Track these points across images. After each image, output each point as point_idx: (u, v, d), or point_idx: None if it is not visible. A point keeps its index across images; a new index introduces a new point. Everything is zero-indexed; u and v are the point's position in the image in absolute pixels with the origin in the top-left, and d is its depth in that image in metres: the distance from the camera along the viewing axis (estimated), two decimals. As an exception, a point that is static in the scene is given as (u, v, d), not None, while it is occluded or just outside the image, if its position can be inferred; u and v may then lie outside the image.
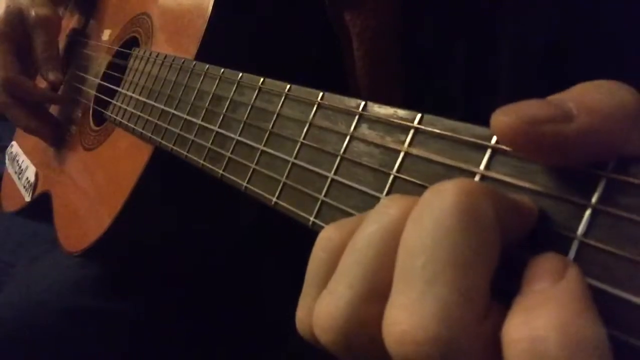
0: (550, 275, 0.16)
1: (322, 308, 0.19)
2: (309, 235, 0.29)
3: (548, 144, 0.16)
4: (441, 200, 0.17)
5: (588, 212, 0.17)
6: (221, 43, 0.47)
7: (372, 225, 0.19)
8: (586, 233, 0.17)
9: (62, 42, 0.80)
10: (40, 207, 0.71)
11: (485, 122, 0.40)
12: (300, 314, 0.21)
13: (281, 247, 0.59)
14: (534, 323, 0.14)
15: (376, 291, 0.18)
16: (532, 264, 0.17)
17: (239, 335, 0.59)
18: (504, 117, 0.17)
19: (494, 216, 0.17)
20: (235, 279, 0.60)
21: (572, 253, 0.17)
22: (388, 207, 0.19)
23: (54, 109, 0.75)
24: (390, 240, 0.18)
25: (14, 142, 0.90)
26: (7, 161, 0.90)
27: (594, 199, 0.17)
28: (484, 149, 0.21)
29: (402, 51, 0.43)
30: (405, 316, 0.16)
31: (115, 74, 0.61)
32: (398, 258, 0.17)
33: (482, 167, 0.20)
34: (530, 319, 0.15)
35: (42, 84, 0.70)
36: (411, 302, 0.16)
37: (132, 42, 0.61)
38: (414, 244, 0.17)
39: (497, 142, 0.20)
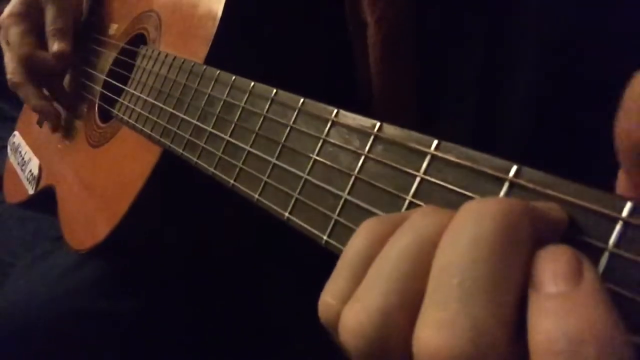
0: (569, 276, 0.16)
1: (351, 314, 0.19)
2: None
3: None
4: (480, 221, 0.17)
5: (606, 256, 0.17)
6: (231, 46, 0.47)
7: (406, 236, 0.19)
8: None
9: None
10: (44, 199, 0.71)
11: (500, 112, 0.40)
12: (328, 297, 0.21)
13: (283, 248, 0.59)
14: (566, 328, 0.15)
15: (408, 302, 0.18)
16: (543, 259, 0.17)
17: (240, 335, 0.60)
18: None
19: (530, 236, 0.17)
20: (237, 279, 0.61)
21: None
22: (424, 219, 0.19)
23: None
24: (425, 253, 0.18)
25: (16, 132, 0.90)
26: (9, 151, 0.89)
27: (611, 242, 0.17)
28: (501, 181, 0.21)
29: (416, 40, 0.44)
30: (439, 334, 0.16)
31: (122, 71, 0.60)
32: (433, 273, 0.17)
33: (499, 200, 0.21)
34: (561, 325, 0.15)
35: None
36: (445, 320, 0.16)
37: (139, 39, 0.61)
38: (450, 262, 0.17)
39: (515, 175, 0.20)
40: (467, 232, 0.17)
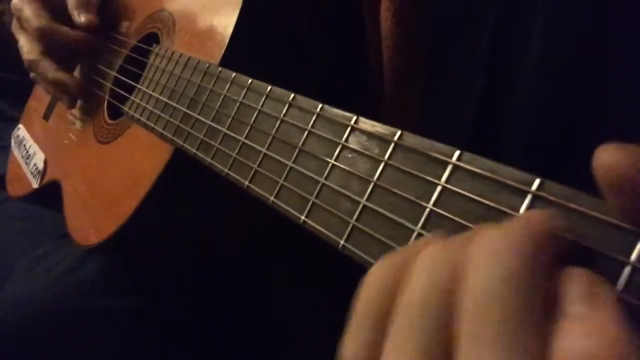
0: (586, 299, 0.16)
1: None
2: (314, 237, 0.30)
3: None
4: (502, 265, 0.17)
5: (627, 270, 0.18)
6: (247, 49, 0.48)
7: (422, 283, 0.19)
8: (624, 290, 0.18)
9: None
10: (48, 194, 0.71)
11: (505, 99, 0.40)
12: (350, 353, 0.20)
13: (284, 249, 0.60)
14: (584, 348, 0.15)
15: (440, 351, 0.18)
16: (562, 282, 0.17)
17: (241, 335, 0.60)
18: (613, 151, 0.17)
19: (552, 263, 0.17)
20: (238, 279, 0.61)
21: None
22: (436, 259, 0.19)
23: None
24: (447, 300, 0.18)
25: (20, 125, 0.90)
26: (12, 144, 0.89)
27: (634, 256, 0.18)
28: (524, 194, 0.21)
29: (428, 16, 0.44)
30: None
31: (133, 69, 0.61)
32: (461, 322, 0.17)
33: (521, 212, 0.21)
34: (579, 345, 0.15)
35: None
36: None
37: (150, 38, 0.61)
38: (478, 313, 0.17)
39: (537, 189, 0.21)
40: (491, 278, 0.17)
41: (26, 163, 0.79)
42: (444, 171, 0.24)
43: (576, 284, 0.17)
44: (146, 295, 0.57)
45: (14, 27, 0.69)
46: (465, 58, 0.43)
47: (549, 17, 0.37)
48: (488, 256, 0.17)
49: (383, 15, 0.44)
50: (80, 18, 0.64)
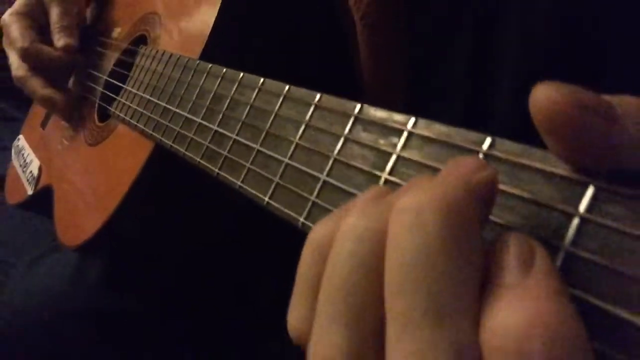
0: (519, 267, 0.15)
1: (317, 353, 0.17)
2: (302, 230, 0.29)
3: (581, 134, 0.15)
4: (423, 228, 0.15)
5: (576, 221, 0.17)
6: (225, 44, 0.47)
7: (346, 247, 0.17)
8: (573, 242, 0.17)
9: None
10: (43, 200, 0.71)
11: (488, 107, 0.39)
12: (294, 322, 0.19)
13: (274, 241, 0.59)
14: (513, 323, 0.14)
15: (370, 331, 0.16)
16: (496, 249, 0.16)
17: (238, 334, 0.59)
18: (549, 90, 0.15)
19: (478, 215, 0.16)
20: (234, 277, 0.60)
21: (558, 262, 0.17)
22: (362, 219, 0.17)
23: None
24: (373, 267, 0.16)
25: (20, 136, 0.91)
26: (13, 154, 0.90)
27: (582, 207, 0.17)
28: (476, 154, 0.20)
29: (405, 34, 0.43)
30: None
31: (122, 71, 0.61)
32: (387, 298, 0.16)
33: (472, 172, 0.20)
34: (508, 320, 0.14)
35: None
36: (419, 352, 0.14)
37: (140, 41, 0.61)
38: (404, 286, 0.15)
39: (489, 148, 0.20)
40: (413, 244, 0.15)
41: (23, 171, 0.80)
42: (399, 139, 0.24)
43: (508, 251, 0.15)
44: (140, 295, 0.56)
45: (5, 43, 0.70)
46: (447, 71, 0.42)
47: (525, 24, 0.37)
48: (406, 224, 0.15)
49: (359, 37, 0.44)
50: (59, 42, 0.66)
